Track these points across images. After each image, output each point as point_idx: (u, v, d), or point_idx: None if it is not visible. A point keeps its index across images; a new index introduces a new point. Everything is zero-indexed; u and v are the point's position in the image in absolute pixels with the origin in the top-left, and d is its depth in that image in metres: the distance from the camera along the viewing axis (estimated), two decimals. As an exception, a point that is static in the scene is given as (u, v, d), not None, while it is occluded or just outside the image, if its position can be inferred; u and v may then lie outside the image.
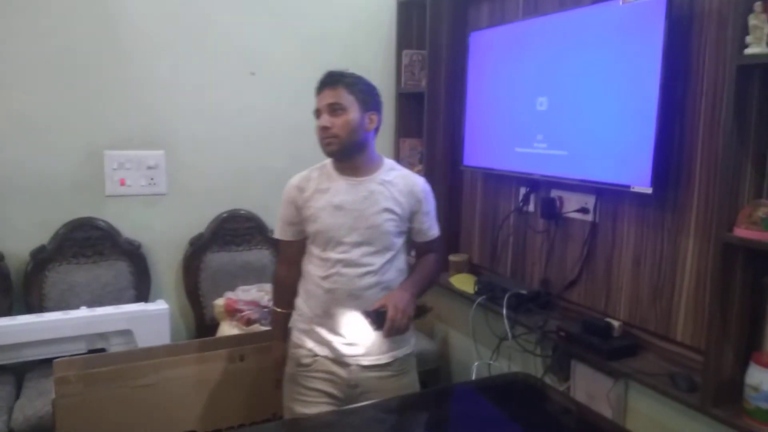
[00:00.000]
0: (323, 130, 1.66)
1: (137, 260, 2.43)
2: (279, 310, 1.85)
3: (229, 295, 2.44)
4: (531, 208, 2.33)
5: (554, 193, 2.20)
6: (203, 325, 2.55)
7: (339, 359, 1.69)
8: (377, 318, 1.56)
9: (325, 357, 1.70)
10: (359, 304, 1.67)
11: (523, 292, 2.18)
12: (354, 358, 1.69)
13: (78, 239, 2.34)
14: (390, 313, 1.56)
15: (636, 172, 1.80)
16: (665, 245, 1.81)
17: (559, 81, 2.08)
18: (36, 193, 2.31)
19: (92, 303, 2.28)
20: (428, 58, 2.70)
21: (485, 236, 2.63)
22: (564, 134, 2.07)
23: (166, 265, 2.52)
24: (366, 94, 1.71)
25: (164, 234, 2.51)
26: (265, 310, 2.33)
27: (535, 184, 2.29)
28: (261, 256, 2.66)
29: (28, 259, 2.29)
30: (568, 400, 1.74)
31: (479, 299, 2.30)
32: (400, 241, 1.74)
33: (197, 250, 2.54)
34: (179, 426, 1.92)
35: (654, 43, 1.72)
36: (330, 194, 1.70)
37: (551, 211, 2.19)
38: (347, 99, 1.67)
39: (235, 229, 2.61)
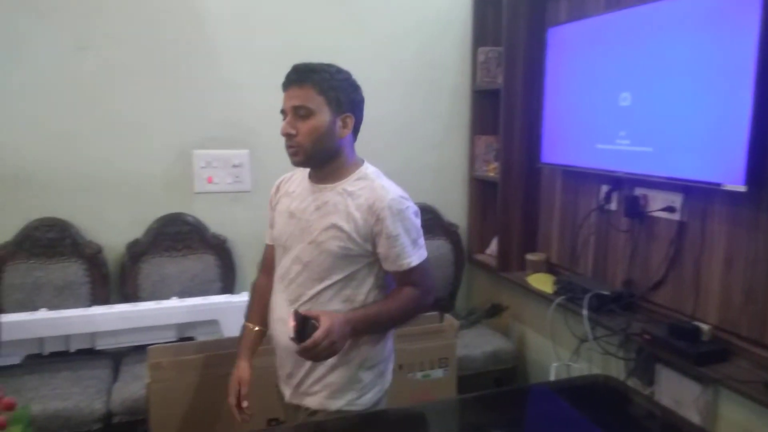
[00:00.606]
0: (286, 136, 1.42)
1: (223, 254, 2.55)
2: (248, 324, 1.62)
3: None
4: (613, 206, 2.27)
5: (638, 191, 2.13)
6: (284, 318, 2.64)
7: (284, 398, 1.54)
8: (303, 327, 1.28)
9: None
10: (288, 332, 1.33)
11: (606, 292, 2.12)
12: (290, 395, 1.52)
13: (169, 233, 2.48)
14: (317, 334, 1.27)
15: (727, 169, 1.71)
16: (760, 246, 1.71)
17: (643, 75, 2.01)
18: (131, 190, 2.46)
19: (182, 294, 2.41)
20: (505, 54, 2.67)
21: (564, 235, 2.58)
22: (649, 130, 1.99)
23: (250, 259, 2.62)
24: (339, 93, 1.44)
25: (248, 229, 2.61)
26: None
27: (617, 181, 2.22)
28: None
29: (124, 251, 2.45)
30: (654, 405, 1.68)
31: (558, 299, 2.26)
32: (354, 267, 1.43)
33: (278, 245, 2.63)
34: (263, 414, 1.99)
35: (748, 31, 1.63)
36: (291, 198, 1.51)
37: (635, 209, 2.11)
38: (315, 101, 1.41)
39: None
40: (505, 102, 2.67)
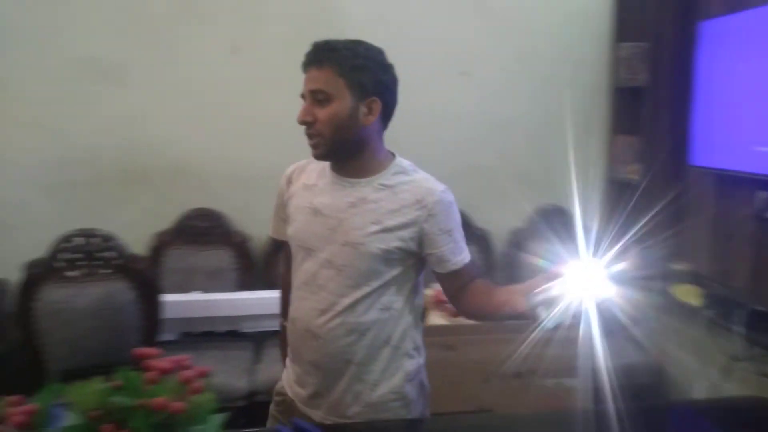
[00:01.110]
0: (304, 125, 1.27)
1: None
2: (284, 322, 1.45)
3: (438, 286, 2.53)
4: (774, 215, 2.08)
5: (806, 200, 1.94)
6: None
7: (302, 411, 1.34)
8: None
9: (293, 400, 1.37)
10: (318, 347, 1.25)
11: (764, 309, 1.95)
12: (315, 414, 1.32)
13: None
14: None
15: None
16: None
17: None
18: (275, 185, 2.60)
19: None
20: (650, 50, 2.52)
21: (714, 244, 2.40)
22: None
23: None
24: (363, 74, 1.27)
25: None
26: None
27: (779, 188, 2.03)
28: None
29: (269, 242, 2.61)
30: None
31: (707, 313, 2.10)
32: (392, 272, 1.27)
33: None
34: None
35: None
36: (313, 193, 1.33)
37: (801, 219, 1.92)
38: (335, 84, 1.25)
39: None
40: (650, 100, 2.53)
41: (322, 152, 1.27)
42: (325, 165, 1.35)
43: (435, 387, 2.11)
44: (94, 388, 0.75)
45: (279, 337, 1.50)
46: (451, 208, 1.31)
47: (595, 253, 1.17)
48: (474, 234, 2.71)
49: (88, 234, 2.06)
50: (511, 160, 2.77)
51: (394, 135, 2.61)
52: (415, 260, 1.31)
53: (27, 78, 2.36)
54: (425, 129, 2.68)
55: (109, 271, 2.07)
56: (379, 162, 1.32)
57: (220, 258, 2.55)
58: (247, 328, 2.45)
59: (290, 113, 2.72)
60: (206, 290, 2.45)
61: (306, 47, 2.63)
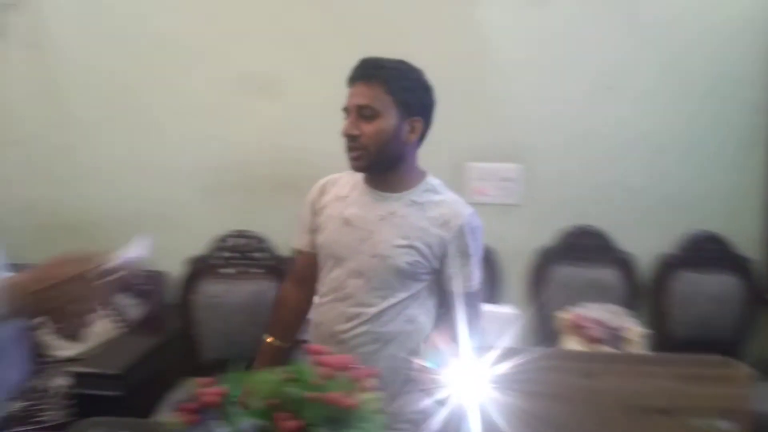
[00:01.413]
0: (349, 138, 1.32)
1: (489, 264, 2.61)
2: (267, 338, 1.47)
3: (574, 310, 2.45)
4: None
5: None
6: (545, 335, 2.61)
7: None
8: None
9: None
10: (341, 352, 1.16)
11: None
12: None
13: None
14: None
15: None
16: None
17: None
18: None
19: (449, 298, 2.53)
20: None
21: None
22: None
23: (516, 272, 2.65)
24: (410, 94, 1.35)
25: (516, 243, 2.64)
26: (610, 331, 2.27)
27: None
28: (607, 275, 2.59)
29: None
30: None
31: None
32: (418, 286, 1.32)
33: (545, 261, 2.61)
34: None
35: None
36: (345, 204, 1.39)
37: None
38: (383, 101, 1.30)
39: (584, 245, 2.60)
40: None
41: (363, 165, 1.33)
42: (358, 178, 1.41)
43: (567, 415, 2.03)
44: (270, 378, 0.81)
45: (258, 352, 1.47)
46: (476, 234, 1.36)
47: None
48: (615, 257, 2.59)
49: (243, 235, 2.24)
50: (660, 180, 2.61)
51: (537, 148, 2.58)
52: (436, 278, 1.34)
53: (195, 90, 2.60)
54: (569, 144, 2.62)
55: (260, 270, 2.22)
56: (412, 178, 1.38)
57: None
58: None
59: (432, 128, 2.76)
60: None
61: (453, 61, 2.68)
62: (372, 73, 1.34)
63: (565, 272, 2.61)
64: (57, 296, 0.92)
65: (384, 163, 1.35)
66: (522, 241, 2.64)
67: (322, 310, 1.38)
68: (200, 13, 2.58)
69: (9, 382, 1.05)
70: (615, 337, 2.28)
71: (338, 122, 2.62)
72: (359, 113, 1.32)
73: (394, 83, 1.33)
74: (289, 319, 1.48)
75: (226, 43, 2.59)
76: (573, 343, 2.34)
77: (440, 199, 1.38)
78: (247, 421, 0.78)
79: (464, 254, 1.35)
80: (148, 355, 2.05)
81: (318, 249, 1.42)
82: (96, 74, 2.59)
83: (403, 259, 1.29)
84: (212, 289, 2.21)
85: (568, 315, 2.43)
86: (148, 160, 2.60)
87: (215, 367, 2.24)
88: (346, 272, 1.33)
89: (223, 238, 2.24)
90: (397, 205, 1.35)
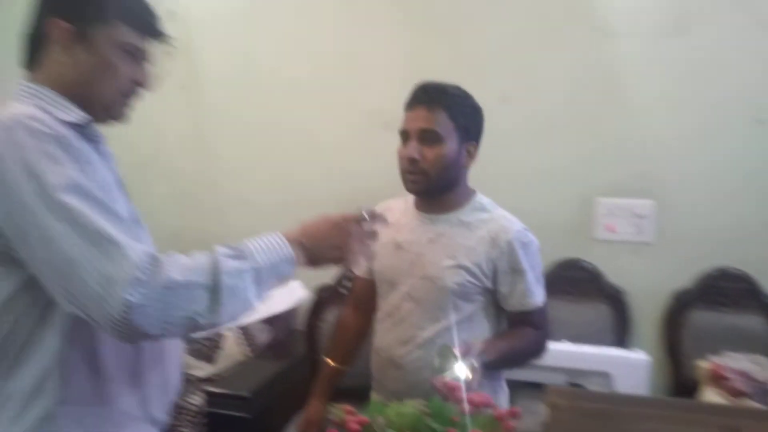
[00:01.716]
0: (409, 161, 1.32)
1: (619, 305, 2.48)
2: (327, 360, 1.57)
3: (715, 359, 2.26)
4: None
5: None
6: (680, 385, 2.42)
7: None
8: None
9: None
10: (400, 376, 1.30)
11: None
12: None
13: (566, 277, 2.54)
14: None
15: None
16: None
17: None
18: (533, 232, 2.60)
19: (573, 339, 2.42)
20: None
21: None
22: None
23: (647, 315, 2.49)
24: (469, 120, 1.37)
25: (648, 284, 2.49)
26: (757, 384, 2.07)
27: None
28: (753, 322, 2.37)
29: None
30: None
31: None
32: (471, 307, 1.32)
33: (682, 305, 2.44)
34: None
35: None
36: (396, 229, 1.41)
37: None
38: (446, 126, 1.33)
39: (725, 288, 2.40)
40: None
41: (421, 188, 1.35)
42: (410, 203, 1.45)
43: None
44: (409, 411, 0.83)
45: (320, 374, 1.56)
46: (527, 249, 1.36)
47: None
48: (761, 302, 2.37)
49: (366, 266, 2.30)
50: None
51: (672, 183, 2.44)
52: (492, 299, 1.35)
53: (327, 127, 2.75)
54: (707, 178, 2.46)
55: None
56: (462, 199, 1.40)
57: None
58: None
59: (551, 161, 2.72)
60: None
61: (584, 94, 2.62)
62: (435, 97, 1.36)
63: (704, 318, 2.42)
64: (323, 243, 1.04)
65: (441, 187, 1.38)
66: (655, 283, 2.49)
67: (380, 335, 1.43)
68: (330, 58, 2.74)
69: (175, 384, 1.14)
70: (763, 391, 2.09)
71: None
72: (421, 137, 1.34)
73: (456, 109, 1.36)
74: (348, 343, 1.56)
75: (355, 83, 2.73)
76: (714, 396, 2.16)
77: (488, 217, 1.40)
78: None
79: (516, 271, 1.35)
80: (275, 379, 2.14)
81: (374, 275, 1.48)
82: (238, 115, 2.82)
83: (452, 279, 1.31)
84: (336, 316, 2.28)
85: (708, 364, 2.25)
86: (283, 192, 2.77)
87: (339, 395, 2.30)
88: (399, 296, 1.38)
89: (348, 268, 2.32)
90: (444, 226, 1.38)
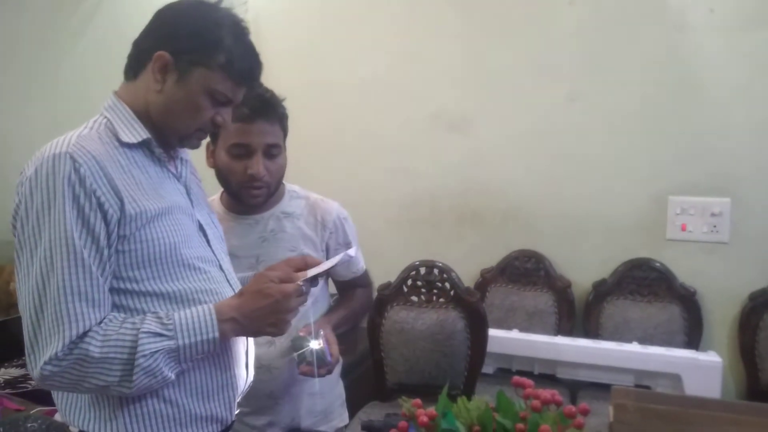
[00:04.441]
0: (253, 177, 1.34)
1: (691, 307, 2.40)
2: None
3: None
4: None
5: None
6: (756, 389, 2.32)
7: None
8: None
9: None
10: (273, 377, 1.39)
11: None
12: None
13: (636, 278, 2.49)
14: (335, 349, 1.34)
15: None
16: None
17: None
18: (603, 231, 2.57)
19: (643, 340, 2.37)
20: None
21: None
22: None
23: (720, 316, 2.41)
24: (286, 122, 1.41)
25: (722, 284, 2.40)
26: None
27: None
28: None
29: (591, 289, 2.56)
30: None
31: None
32: (316, 290, 1.36)
33: (759, 306, 2.33)
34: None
35: None
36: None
37: None
38: (281, 137, 1.38)
39: (805, 290, 2.29)
40: None
41: (262, 201, 1.41)
42: (218, 206, 1.46)
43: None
44: (477, 405, 0.85)
45: None
46: (349, 222, 1.52)
47: None
48: None
49: (430, 265, 2.32)
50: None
51: (748, 181, 2.35)
52: (327, 273, 1.36)
53: (391, 129, 2.81)
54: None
55: (444, 300, 2.29)
56: (279, 192, 1.47)
57: (541, 300, 2.59)
58: (564, 374, 2.42)
59: (622, 158, 2.66)
60: (524, 330, 2.51)
61: (645, 91, 2.56)
62: (271, 110, 1.36)
63: (783, 320, 2.31)
64: (259, 320, 1.06)
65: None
66: (729, 283, 2.40)
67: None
68: (395, 59, 2.79)
69: (240, 383, 1.19)
70: None
71: (519, 158, 2.65)
72: (266, 152, 1.37)
73: (285, 119, 1.41)
74: None
75: (421, 84, 2.76)
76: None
77: (305, 203, 1.50)
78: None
79: (346, 244, 1.48)
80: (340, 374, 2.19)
81: None
82: (309, 116, 2.89)
83: None
84: (400, 315, 2.31)
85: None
86: (347, 192, 2.81)
87: (396, 391, 2.33)
88: None
89: (412, 267, 2.34)
90: (273, 222, 1.45)
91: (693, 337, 2.40)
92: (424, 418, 0.80)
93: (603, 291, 2.52)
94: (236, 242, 1.41)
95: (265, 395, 1.43)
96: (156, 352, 0.97)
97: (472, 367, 2.26)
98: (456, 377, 2.29)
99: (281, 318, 1.07)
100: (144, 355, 0.96)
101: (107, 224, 0.99)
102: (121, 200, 1.01)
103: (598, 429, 2.15)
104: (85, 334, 0.95)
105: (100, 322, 0.98)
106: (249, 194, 1.40)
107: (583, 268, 2.58)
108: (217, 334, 1.02)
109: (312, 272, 1.12)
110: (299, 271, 1.14)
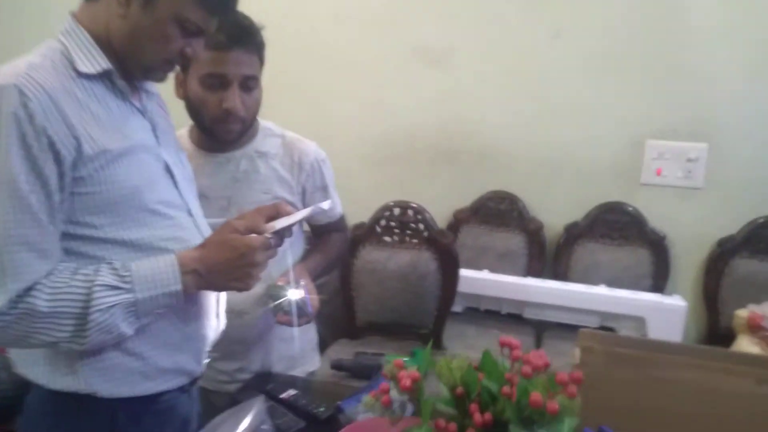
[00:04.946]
0: (229, 112, 1.23)
1: (659, 251, 2.43)
2: None
3: (754, 308, 2.21)
4: None
5: None
6: (715, 334, 2.40)
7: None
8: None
9: None
10: (245, 322, 1.34)
11: None
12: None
13: (608, 221, 2.49)
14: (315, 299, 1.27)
15: None
16: None
17: None
18: (578, 174, 2.54)
19: (610, 283, 2.39)
20: None
21: None
22: None
23: (688, 261, 2.45)
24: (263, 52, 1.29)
25: (692, 230, 2.43)
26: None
27: None
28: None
29: (562, 231, 2.56)
30: None
31: None
32: (291, 238, 1.17)
33: (725, 252, 2.37)
34: (683, 428, 1.85)
35: None
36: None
37: None
38: (258, 67, 1.27)
39: (773, 237, 2.33)
40: None
41: (236, 136, 1.31)
42: (186, 142, 1.34)
43: (740, 423, 1.85)
44: (461, 365, 0.81)
45: None
46: (326, 165, 1.43)
47: None
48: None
49: (403, 206, 2.27)
50: None
51: (726, 127, 2.33)
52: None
53: (368, 61, 2.66)
54: (765, 122, 2.33)
55: (417, 241, 2.26)
56: (253, 129, 1.35)
57: (513, 242, 2.57)
58: (530, 314, 2.45)
59: (600, 101, 2.59)
60: (494, 270, 2.50)
61: (629, 31, 2.47)
62: (250, 39, 1.24)
63: (747, 266, 2.36)
64: (222, 274, 0.98)
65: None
66: (700, 229, 2.43)
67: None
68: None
69: (210, 335, 1.14)
70: (800, 341, 2.06)
71: (498, 96, 2.57)
72: (242, 84, 1.25)
73: (262, 48, 1.28)
74: None
75: (401, 16, 2.61)
76: (750, 346, 2.13)
77: (281, 142, 1.40)
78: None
79: (323, 187, 1.42)
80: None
81: None
82: (281, 45, 2.71)
83: None
84: (372, 256, 2.28)
85: (746, 313, 2.21)
86: (321, 127, 2.69)
87: (366, 329, 2.31)
88: None
89: (386, 208, 2.29)
90: (246, 161, 1.35)
91: (659, 282, 2.44)
92: (407, 382, 0.76)
93: (574, 234, 2.52)
94: (206, 182, 1.31)
95: (236, 341, 1.37)
96: (112, 306, 0.90)
97: (442, 307, 2.27)
98: (425, 317, 2.30)
99: (246, 272, 0.99)
100: (100, 310, 0.89)
101: (60, 166, 0.88)
102: (77, 139, 0.89)
103: (562, 370, 2.21)
104: (31, 287, 0.86)
105: (49, 275, 0.89)
106: (223, 129, 1.29)
107: (556, 210, 2.57)
108: (179, 287, 0.95)
109: (280, 224, 1.05)
110: (270, 221, 1.07)
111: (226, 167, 1.36)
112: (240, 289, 1.02)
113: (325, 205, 1.14)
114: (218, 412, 1.14)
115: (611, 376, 1.90)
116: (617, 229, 2.48)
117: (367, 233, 2.29)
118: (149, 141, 1.04)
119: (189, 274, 0.96)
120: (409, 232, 2.28)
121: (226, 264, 0.98)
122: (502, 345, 0.79)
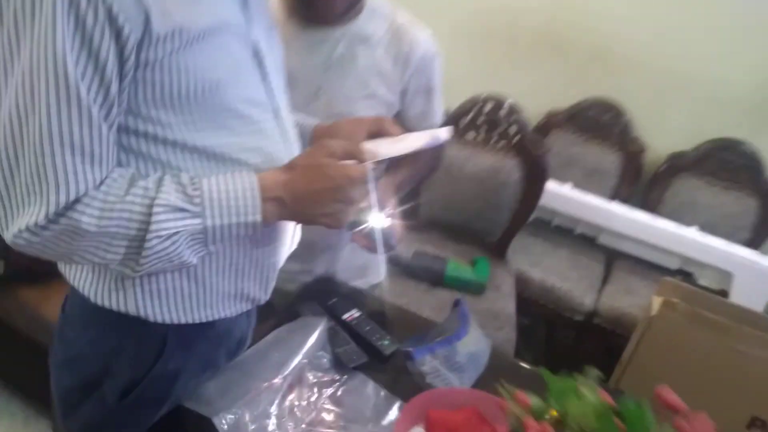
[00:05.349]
0: None
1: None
2: None
3: None
4: None
5: None
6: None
7: None
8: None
9: None
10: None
11: None
12: None
13: (719, 159, 2.20)
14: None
15: None
16: None
17: None
18: (700, 98, 2.22)
19: (704, 227, 2.16)
20: None
21: None
22: None
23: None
24: None
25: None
26: None
27: None
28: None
29: (665, 159, 2.28)
30: None
31: None
32: None
33: None
34: (750, 409, 1.73)
35: None
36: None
37: None
38: None
39: None
40: None
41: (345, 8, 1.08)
42: (276, 6, 1.09)
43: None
44: (595, 403, 0.66)
45: None
46: (436, 62, 1.16)
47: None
48: None
49: (497, 101, 2.00)
50: None
51: None
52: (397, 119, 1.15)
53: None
54: None
55: (505, 143, 2.02)
56: (354, 2, 1.08)
57: (606, 159, 2.32)
58: (605, 240, 2.27)
59: (748, 18, 2.14)
60: (578, 186, 2.28)
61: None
62: None
63: None
64: (312, 206, 0.81)
65: None
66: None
67: None
68: None
69: (275, 261, 0.99)
70: None
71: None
72: None
73: None
74: None
75: None
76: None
77: (388, 26, 1.12)
78: None
79: (429, 90, 1.18)
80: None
81: None
82: None
83: (368, 114, 1.08)
84: (449, 153, 2.04)
85: None
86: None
87: (427, 225, 2.12)
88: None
89: (475, 101, 2.03)
90: (343, 44, 1.10)
91: (758, 238, 2.21)
92: (533, 429, 0.61)
93: (678, 165, 2.25)
94: (295, 61, 1.06)
95: (304, 244, 1.23)
96: (176, 233, 0.72)
97: (515, 221, 2.09)
98: (494, 227, 2.13)
99: (340, 207, 0.81)
100: (159, 236, 0.71)
101: (121, 46, 0.66)
102: (147, 11, 0.66)
103: (630, 311, 2.06)
104: (77, 200, 0.68)
105: (100, 184, 0.70)
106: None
107: (665, 134, 2.28)
108: (258, 217, 0.77)
109: (386, 151, 0.86)
110: (371, 138, 0.86)
111: (319, 48, 1.12)
112: (329, 226, 0.84)
113: (445, 133, 0.92)
114: (272, 309, 1.02)
115: (689, 338, 1.74)
116: (728, 170, 2.19)
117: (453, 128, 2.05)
118: (237, 17, 0.80)
119: (271, 201, 0.78)
120: (497, 133, 2.03)
121: (318, 195, 0.79)
122: (663, 404, 0.62)
